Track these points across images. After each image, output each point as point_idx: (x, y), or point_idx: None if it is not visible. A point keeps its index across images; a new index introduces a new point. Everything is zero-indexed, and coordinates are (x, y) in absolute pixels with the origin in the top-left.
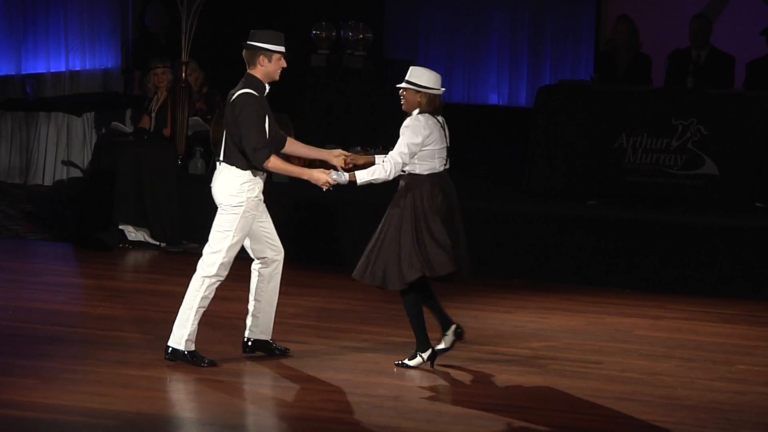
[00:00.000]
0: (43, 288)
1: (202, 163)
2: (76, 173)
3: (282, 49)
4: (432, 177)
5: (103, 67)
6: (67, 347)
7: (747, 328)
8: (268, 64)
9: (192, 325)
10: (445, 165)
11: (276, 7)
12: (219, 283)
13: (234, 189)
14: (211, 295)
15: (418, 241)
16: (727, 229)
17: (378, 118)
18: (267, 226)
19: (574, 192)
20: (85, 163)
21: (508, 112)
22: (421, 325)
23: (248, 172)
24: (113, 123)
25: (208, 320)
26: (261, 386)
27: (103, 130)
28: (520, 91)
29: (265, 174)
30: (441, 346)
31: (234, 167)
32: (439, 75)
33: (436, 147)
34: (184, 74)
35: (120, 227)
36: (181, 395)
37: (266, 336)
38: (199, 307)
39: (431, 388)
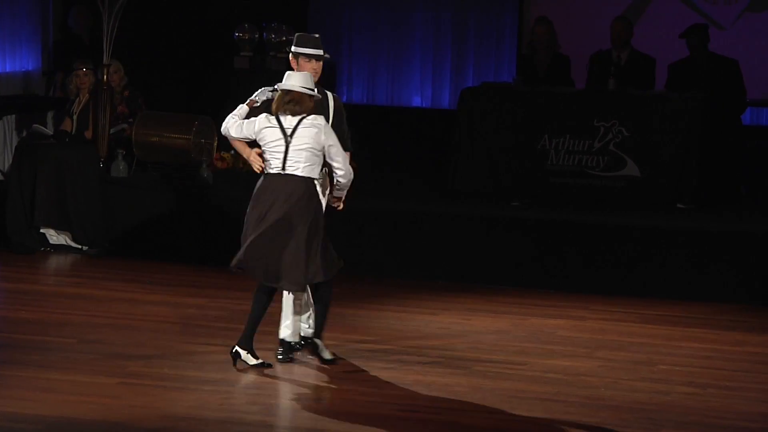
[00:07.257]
0: None
1: (124, 166)
2: None
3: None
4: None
5: (23, 69)
6: None
7: (668, 328)
8: None
9: None
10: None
11: (198, 8)
12: None
13: None
14: None
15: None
16: (648, 230)
17: None
18: None
19: (498, 193)
20: (6, 166)
21: (432, 114)
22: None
23: None
24: (34, 125)
25: (130, 324)
26: (185, 390)
27: (24, 133)
28: (443, 92)
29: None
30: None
31: None
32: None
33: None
34: (105, 76)
35: (41, 230)
36: (104, 399)
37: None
38: None
39: (355, 390)
